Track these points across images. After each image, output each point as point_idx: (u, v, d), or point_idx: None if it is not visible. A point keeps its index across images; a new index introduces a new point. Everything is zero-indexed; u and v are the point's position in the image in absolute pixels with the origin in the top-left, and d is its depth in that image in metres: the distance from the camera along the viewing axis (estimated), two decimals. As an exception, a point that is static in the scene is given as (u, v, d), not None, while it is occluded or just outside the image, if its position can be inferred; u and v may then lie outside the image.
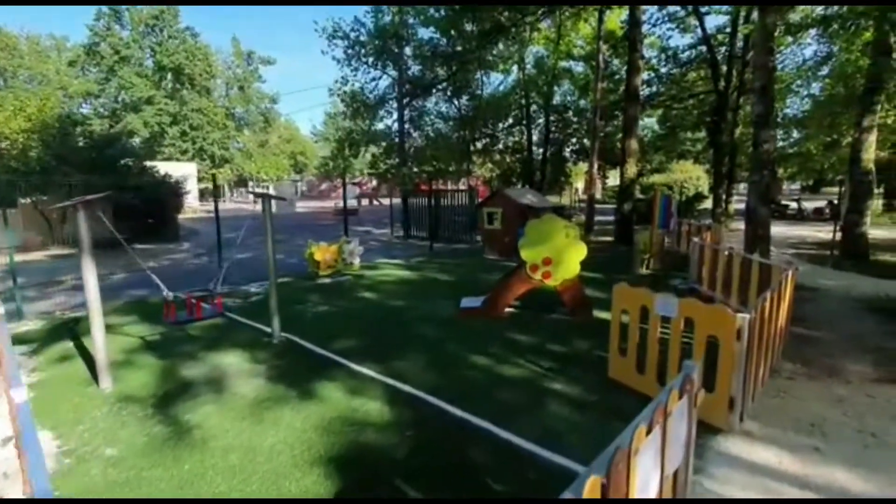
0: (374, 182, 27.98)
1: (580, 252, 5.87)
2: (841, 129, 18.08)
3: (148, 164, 18.60)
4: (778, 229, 13.74)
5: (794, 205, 23.03)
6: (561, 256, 5.88)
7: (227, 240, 17.97)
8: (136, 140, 43.45)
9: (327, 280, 9.08)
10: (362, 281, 9.00)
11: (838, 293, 7.62)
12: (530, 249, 5.96)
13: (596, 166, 16.58)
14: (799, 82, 22.29)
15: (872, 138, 10.53)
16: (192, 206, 32.60)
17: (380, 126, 22.30)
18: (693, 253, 7.81)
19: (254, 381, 4.41)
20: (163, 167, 22.08)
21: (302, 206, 40.49)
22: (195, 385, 4.37)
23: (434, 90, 22.44)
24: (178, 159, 40.39)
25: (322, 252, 8.93)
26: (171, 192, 17.88)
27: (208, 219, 28.81)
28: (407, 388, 4.18)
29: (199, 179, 43.99)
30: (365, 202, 44.07)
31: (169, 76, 43.85)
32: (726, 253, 6.72)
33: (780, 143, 24.91)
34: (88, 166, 14.61)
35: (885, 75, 10.40)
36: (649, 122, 30.93)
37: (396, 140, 21.42)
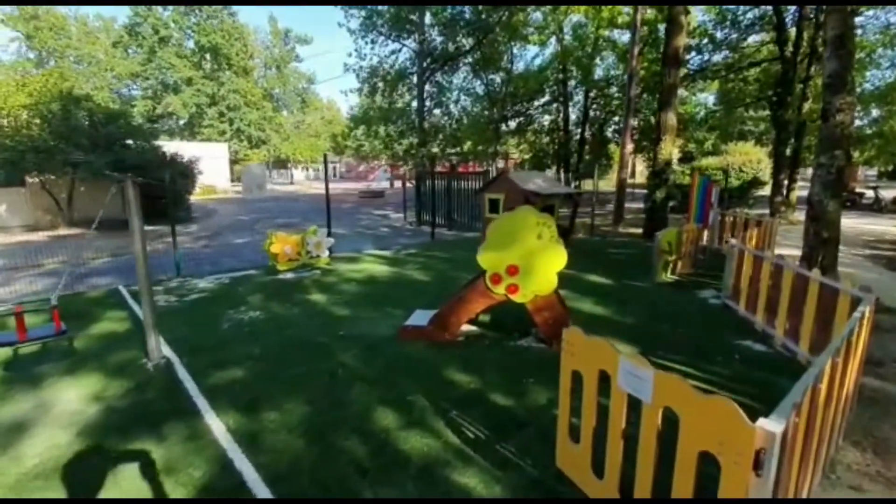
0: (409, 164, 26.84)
1: (557, 259, 4.26)
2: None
3: (158, 143, 18.02)
4: (849, 222, 11.36)
5: (870, 193, 19.74)
6: (531, 264, 4.31)
7: (240, 222, 17.54)
8: (181, 122, 44.36)
9: (288, 275, 7.86)
10: (325, 278, 7.71)
11: (934, 318, 5.60)
12: (491, 254, 4.41)
13: (630, 146, 14.40)
14: (881, 51, 18.78)
15: None
16: (224, 188, 33.09)
17: (398, 104, 20.82)
18: (729, 258, 5.94)
19: (59, 436, 3.19)
20: (185, 148, 21.83)
21: (331, 188, 39.78)
22: (-14, 436, 3.21)
23: (459, 63, 20.65)
24: (216, 140, 40.58)
25: (281, 243, 7.69)
26: (180, 173, 17.28)
27: (235, 200, 28.83)
28: (245, 468, 2.81)
29: (236, 161, 44.17)
30: (398, 184, 43.08)
31: (208, 57, 44.01)
32: (773, 263, 4.89)
33: (857, 123, 21.37)
34: (89, 145, 14.10)
35: None
36: (702, 98, 27.67)
37: (415, 118, 19.90)
